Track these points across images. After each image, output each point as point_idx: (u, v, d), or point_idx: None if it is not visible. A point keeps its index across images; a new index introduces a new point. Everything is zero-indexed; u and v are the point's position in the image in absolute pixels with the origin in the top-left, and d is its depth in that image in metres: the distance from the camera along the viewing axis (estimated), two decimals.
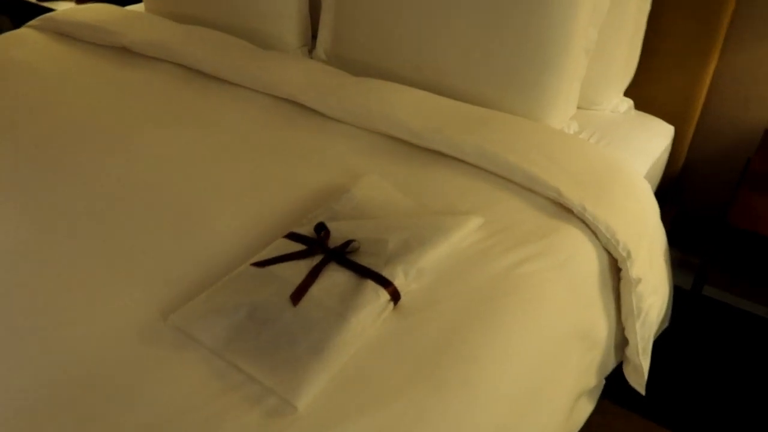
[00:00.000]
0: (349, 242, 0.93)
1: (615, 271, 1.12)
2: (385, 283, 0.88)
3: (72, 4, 2.15)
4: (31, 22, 1.90)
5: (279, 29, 1.69)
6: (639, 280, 1.09)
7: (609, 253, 1.10)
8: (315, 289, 0.87)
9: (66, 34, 1.82)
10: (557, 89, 1.31)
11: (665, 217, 1.30)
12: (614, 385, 1.23)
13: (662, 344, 1.35)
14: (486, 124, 1.24)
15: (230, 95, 1.46)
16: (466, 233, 1.01)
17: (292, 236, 0.97)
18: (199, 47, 1.58)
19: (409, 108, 1.28)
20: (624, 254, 1.07)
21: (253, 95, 1.46)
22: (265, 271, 0.90)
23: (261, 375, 0.77)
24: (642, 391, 1.19)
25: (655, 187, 1.52)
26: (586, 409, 1.14)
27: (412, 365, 0.81)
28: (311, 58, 1.68)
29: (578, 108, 1.47)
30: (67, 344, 0.83)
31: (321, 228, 0.96)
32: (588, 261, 1.06)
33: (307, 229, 0.98)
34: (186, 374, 0.79)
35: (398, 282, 0.89)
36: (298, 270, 0.90)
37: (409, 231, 0.97)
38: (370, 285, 0.87)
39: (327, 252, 0.92)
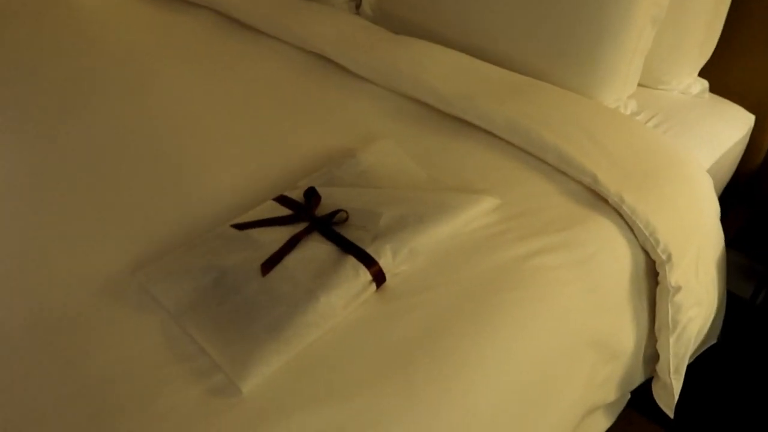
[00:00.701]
0: (336, 212, 0.83)
1: (652, 275, 0.97)
2: (369, 261, 0.78)
3: None
4: None
5: None
6: (678, 289, 0.94)
7: (647, 254, 0.95)
8: (290, 260, 0.78)
9: None
10: (614, 62, 1.15)
11: (734, 218, 1.13)
12: (642, 394, 1.09)
13: (708, 358, 1.19)
14: (524, 95, 1.10)
15: (261, 46, 1.39)
16: (475, 214, 0.89)
17: (282, 200, 0.88)
18: None
19: (442, 71, 1.16)
20: (663, 257, 0.92)
21: (285, 48, 1.37)
22: (242, 235, 0.83)
23: (212, 349, 0.70)
24: (670, 413, 1.04)
25: (723, 184, 1.33)
26: (599, 425, 1.01)
27: (383, 358, 0.71)
28: (357, 13, 1.57)
29: (642, 86, 1.30)
30: (27, 289, 0.79)
31: (311, 194, 0.87)
32: (618, 260, 0.92)
33: (298, 194, 0.89)
34: (137, 338, 0.73)
35: (384, 261, 0.79)
36: (279, 236, 0.82)
37: (408, 205, 0.86)
38: (351, 261, 0.78)
39: (312, 220, 0.83)
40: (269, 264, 0.77)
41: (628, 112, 1.22)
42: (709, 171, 1.14)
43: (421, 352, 0.72)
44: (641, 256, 0.95)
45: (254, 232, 0.83)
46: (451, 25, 1.31)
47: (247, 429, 0.63)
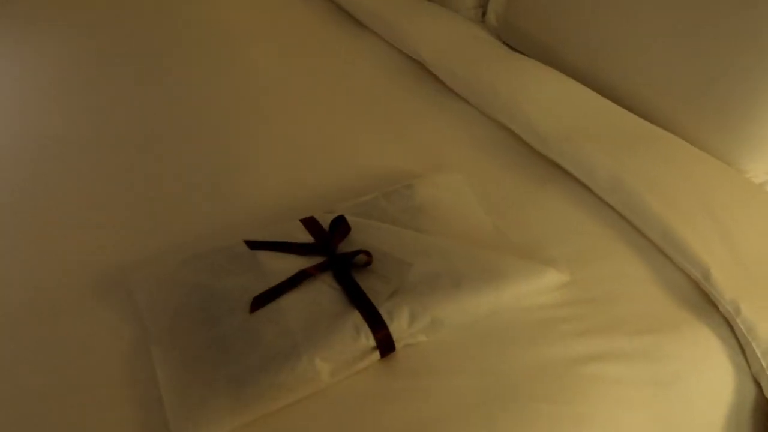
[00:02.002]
0: (357, 252, 0.69)
1: (765, 416, 0.73)
2: (377, 322, 0.63)
3: None
4: None
5: None
6: None
7: (760, 389, 0.71)
8: (287, 300, 0.66)
9: None
10: None
11: None
12: None
13: None
14: (642, 147, 0.89)
15: (362, 41, 1.29)
16: (532, 290, 0.70)
17: (310, 222, 0.76)
18: None
19: (548, 102, 0.97)
20: None
21: (385, 48, 1.27)
22: (250, 255, 0.71)
23: (167, 387, 0.60)
24: None
25: None
26: None
27: None
28: (482, 21, 1.42)
29: None
30: (37, 260, 0.74)
31: (338, 223, 0.74)
32: (715, 390, 0.70)
33: (331, 218, 0.76)
34: (104, 345, 0.65)
35: (396, 326, 0.64)
36: (288, 267, 0.70)
37: (448, 261, 0.70)
38: (354, 319, 0.63)
39: (329, 256, 0.70)
40: (261, 300, 0.65)
41: None
42: None
43: None
44: (751, 391, 0.71)
45: (263, 255, 0.71)
46: (578, 50, 1.11)
47: None
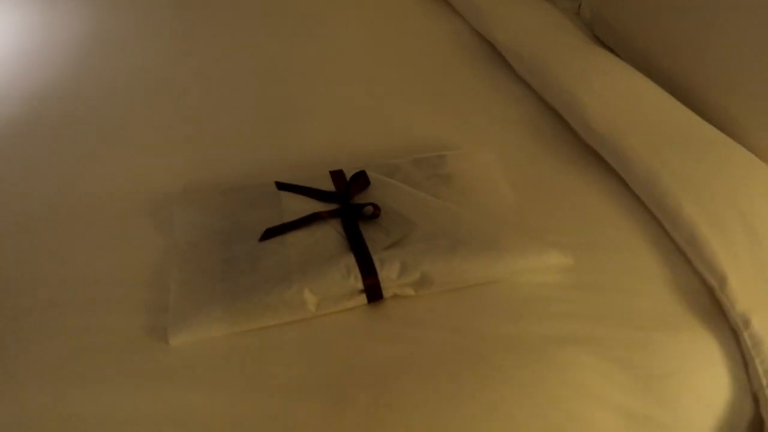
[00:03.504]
0: (367, 204, 0.74)
1: None
2: (369, 268, 0.68)
3: None
4: None
5: None
6: None
7: (758, 407, 0.68)
8: (295, 236, 0.72)
9: None
10: None
11: None
12: None
13: None
14: (693, 148, 0.85)
15: (445, 22, 1.31)
16: (531, 267, 0.72)
17: (336, 174, 0.82)
18: None
19: (608, 96, 0.95)
20: None
21: (466, 30, 1.28)
22: (276, 195, 0.78)
23: (174, 290, 0.68)
24: None
25: None
26: None
27: (325, 377, 0.62)
28: (577, 14, 1.40)
29: None
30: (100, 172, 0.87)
31: (358, 177, 0.79)
32: (708, 401, 0.67)
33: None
34: (132, 250, 0.75)
35: (385, 274, 0.68)
36: (305, 208, 0.76)
37: (451, 225, 0.73)
38: (347, 261, 0.68)
39: (342, 204, 0.75)
40: (271, 233, 0.72)
41: None
42: None
43: (367, 393, 0.61)
44: (749, 409, 0.68)
45: (287, 196, 0.78)
46: (662, 49, 1.08)
47: (164, 377, 0.61)
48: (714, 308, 0.70)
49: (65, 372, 0.61)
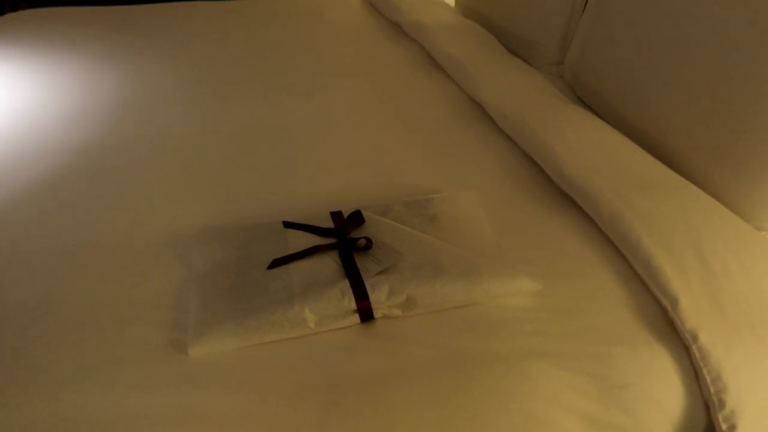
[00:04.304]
0: (359, 238, 0.85)
1: None
2: (361, 292, 0.78)
3: None
4: None
5: (541, 39, 1.60)
6: None
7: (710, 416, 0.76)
8: (297, 265, 0.83)
9: (373, 4, 2.04)
10: None
11: None
12: None
13: None
14: (654, 191, 0.96)
15: (440, 85, 1.46)
16: (504, 290, 0.81)
17: (336, 214, 0.93)
18: (449, 40, 1.59)
19: (576, 145, 1.07)
20: (724, 426, 0.72)
21: (458, 92, 1.42)
22: (283, 231, 0.90)
23: (193, 309, 0.79)
24: None
25: None
26: None
27: (322, 384, 0.71)
28: (561, 77, 1.55)
29: None
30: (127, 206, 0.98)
31: (354, 215, 0.90)
32: (664, 409, 0.75)
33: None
34: (153, 279, 0.85)
35: (375, 297, 0.78)
36: (307, 242, 0.87)
37: (435, 256, 0.84)
38: (342, 285, 0.79)
39: (339, 239, 0.87)
40: (277, 262, 0.83)
41: None
42: None
43: (357, 397, 0.70)
44: (702, 417, 0.76)
45: (292, 233, 0.89)
46: (630, 105, 1.21)
47: (183, 382, 0.70)
48: (667, 327, 0.79)
49: (99, 377, 0.71)
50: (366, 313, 0.78)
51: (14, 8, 2.63)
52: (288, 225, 0.91)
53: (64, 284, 0.84)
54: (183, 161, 1.13)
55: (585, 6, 1.48)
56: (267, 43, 1.68)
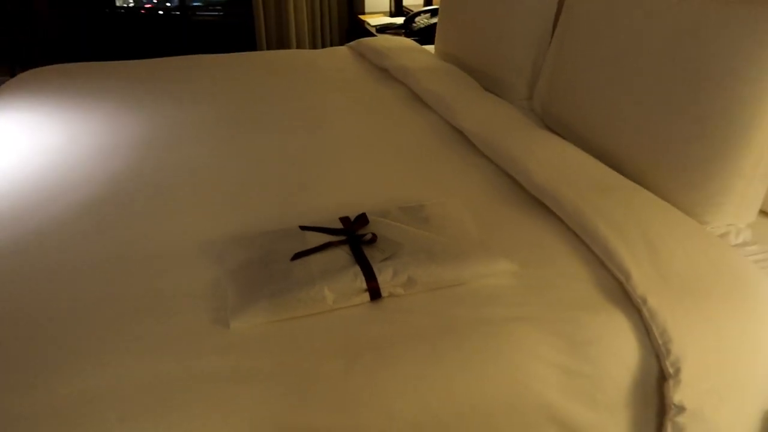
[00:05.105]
0: (365, 234, 1.02)
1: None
2: (370, 275, 0.95)
3: (388, 36, 2.62)
4: (350, 43, 2.42)
5: (511, 78, 1.82)
6: (682, 409, 0.88)
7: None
8: (315, 256, 1.00)
9: (362, 53, 2.27)
10: (726, 185, 1.12)
11: None
12: None
13: None
14: (610, 193, 1.15)
15: (425, 118, 1.66)
16: (485, 271, 0.98)
17: (344, 218, 1.11)
18: (431, 80, 1.80)
19: (545, 160, 1.27)
20: (671, 370, 0.89)
21: (441, 123, 1.62)
22: (300, 233, 1.07)
23: (230, 293, 0.94)
24: None
25: None
26: None
27: (341, 346, 0.87)
28: (531, 109, 1.75)
29: None
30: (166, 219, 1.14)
31: (360, 218, 1.07)
32: (622, 360, 0.91)
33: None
34: (195, 276, 1.01)
35: (382, 278, 0.95)
36: (321, 240, 1.04)
37: (429, 245, 1.01)
38: (355, 269, 0.95)
39: (348, 236, 1.04)
40: (298, 255, 0.99)
41: (739, 241, 1.15)
42: None
43: (370, 355, 0.86)
44: (654, 366, 0.92)
45: (309, 234, 1.06)
46: (590, 127, 1.41)
47: (229, 350, 0.85)
48: (623, 295, 0.96)
49: (159, 349, 0.85)
50: (375, 292, 0.94)
51: (24, 69, 2.83)
52: (304, 228, 1.08)
53: (117, 284, 0.99)
54: (206, 185, 1.31)
55: (549, 48, 1.70)
56: (270, 88, 1.89)
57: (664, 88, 1.20)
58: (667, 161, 1.20)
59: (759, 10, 1.07)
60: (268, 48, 3.47)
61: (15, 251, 1.07)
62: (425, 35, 2.68)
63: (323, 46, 3.57)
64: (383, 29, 2.91)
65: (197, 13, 3.88)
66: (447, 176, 1.33)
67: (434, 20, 2.67)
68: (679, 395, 0.88)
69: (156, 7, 3.87)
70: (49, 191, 1.27)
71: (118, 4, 3.84)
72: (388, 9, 3.31)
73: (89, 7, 3.69)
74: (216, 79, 1.97)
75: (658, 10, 1.23)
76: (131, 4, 3.89)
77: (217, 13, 3.94)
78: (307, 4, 3.42)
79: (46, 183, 1.30)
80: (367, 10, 3.37)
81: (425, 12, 2.81)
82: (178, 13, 3.81)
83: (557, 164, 1.26)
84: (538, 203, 1.20)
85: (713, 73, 1.10)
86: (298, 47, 3.45)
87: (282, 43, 3.46)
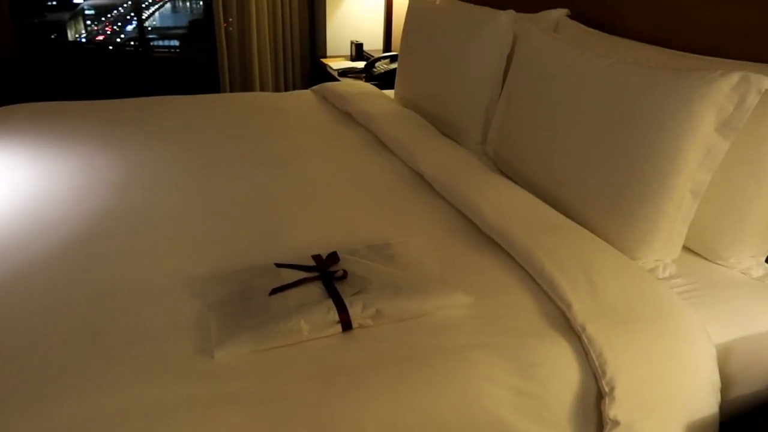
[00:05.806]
0: (336, 270, 1.13)
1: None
2: (342, 308, 1.05)
3: (350, 80, 2.77)
4: (313, 87, 2.55)
5: (466, 124, 1.97)
6: (616, 423, 1.01)
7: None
8: (291, 292, 1.09)
9: (325, 97, 2.40)
10: (654, 225, 1.28)
11: None
12: None
13: None
14: (555, 232, 1.29)
15: (387, 161, 1.79)
16: (445, 303, 1.10)
17: (317, 257, 1.21)
18: (392, 125, 1.94)
19: (496, 202, 1.40)
20: (606, 388, 1.01)
21: (402, 166, 1.75)
22: (275, 270, 1.16)
23: (213, 325, 1.03)
24: None
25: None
26: None
27: (315, 372, 0.96)
28: (485, 153, 1.90)
29: (701, 258, 1.38)
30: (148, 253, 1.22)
31: (331, 256, 1.18)
32: (566, 381, 1.03)
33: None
34: (180, 308, 1.09)
35: (353, 311, 1.05)
36: (296, 276, 1.13)
37: (395, 281, 1.12)
38: (328, 303, 1.05)
39: (321, 272, 1.14)
40: (276, 290, 1.09)
41: (666, 274, 1.30)
42: (726, 347, 1.17)
43: (342, 379, 0.95)
44: (593, 385, 1.04)
45: (284, 270, 1.16)
46: (536, 171, 1.56)
47: (214, 377, 0.93)
48: (565, 324, 1.09)
49: (147, 376, 0.93)
50: (347, 324, 1.04)
51: None
52: (279, 265, 1.17)
53: (103, 319, 1.06)
54: (182, 225, 1.39)
55: (500, 98, 1.87)
56: (240, 130, 1.99)
57: (596, 140, 1.36)
58: (602, 204, 1.35)
59: (679, 75, 1.24)
60: (232, 88, 3.57)
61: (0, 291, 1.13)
62: (385, 80, 2.84)
63: (286, 87, 3.70)
64: (345, 73, 3.06)
65: (155, 50, 3.95)
66: (409, 216, 1.45)
67: (393, 65, 2.83)
68: (613, 411, 1.01)
69: (108, 41, 3.91)
70: (29, 230, 1.33)
71: (69, 38, 3.87)
72: (349, 53, 3.48)
73: (40, 41, 3.71)
74: (185, 119, 2.06)
75: (591, 72, 1.40)
76: (83, 38, 3.92)
77: (174, 51, 4.02)
78: (270, 47, 3.55)
79: (24, 222, 1.36)
80: (329, 53, 3.53)
81: (384, 58, 2.98)
82: (133, 46, 3.86)
83: (507, 205, 1.40)
84: (491, 241, 1.33)
85: (638, 128, 1.27)
86: (261, 88, 3.56)
87: (246, 84, 3.57)
